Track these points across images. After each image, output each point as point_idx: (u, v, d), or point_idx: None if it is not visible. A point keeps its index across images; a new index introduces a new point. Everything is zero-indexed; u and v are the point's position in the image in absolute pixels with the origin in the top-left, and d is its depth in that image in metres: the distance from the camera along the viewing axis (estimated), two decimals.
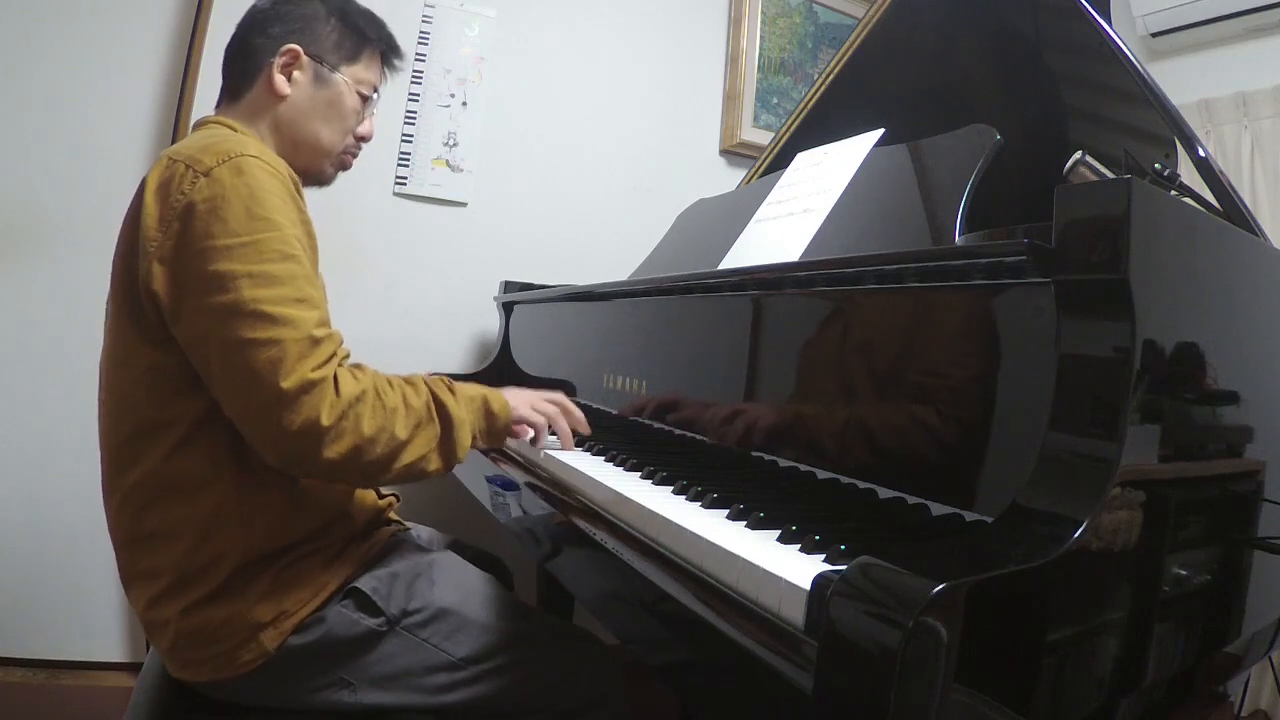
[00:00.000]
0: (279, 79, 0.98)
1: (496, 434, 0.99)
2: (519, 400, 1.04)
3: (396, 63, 1.11)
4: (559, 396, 1.11)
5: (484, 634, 0.96)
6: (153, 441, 0.85)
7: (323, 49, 1.01)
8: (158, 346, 0.84)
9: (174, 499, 0.85)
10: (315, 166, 1.05)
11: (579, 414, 1.11)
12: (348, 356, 0.86)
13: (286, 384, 0.77)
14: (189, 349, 0.82)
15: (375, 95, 1.08)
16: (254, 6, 1.03)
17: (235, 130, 0.96)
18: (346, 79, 1.03)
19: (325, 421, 0.78)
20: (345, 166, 1.09)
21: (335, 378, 0.81)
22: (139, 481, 0.86)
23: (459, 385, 0.96)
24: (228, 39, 1.05)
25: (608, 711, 0.99)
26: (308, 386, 0.78)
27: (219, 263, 0.79)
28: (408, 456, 0.86)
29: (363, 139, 1.08)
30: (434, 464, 0.89)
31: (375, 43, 1.06)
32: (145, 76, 1.67)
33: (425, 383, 0.91)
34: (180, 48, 1.68)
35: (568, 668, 1.00)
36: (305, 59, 1.00)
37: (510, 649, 0.96)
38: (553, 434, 1.09)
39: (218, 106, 1.04)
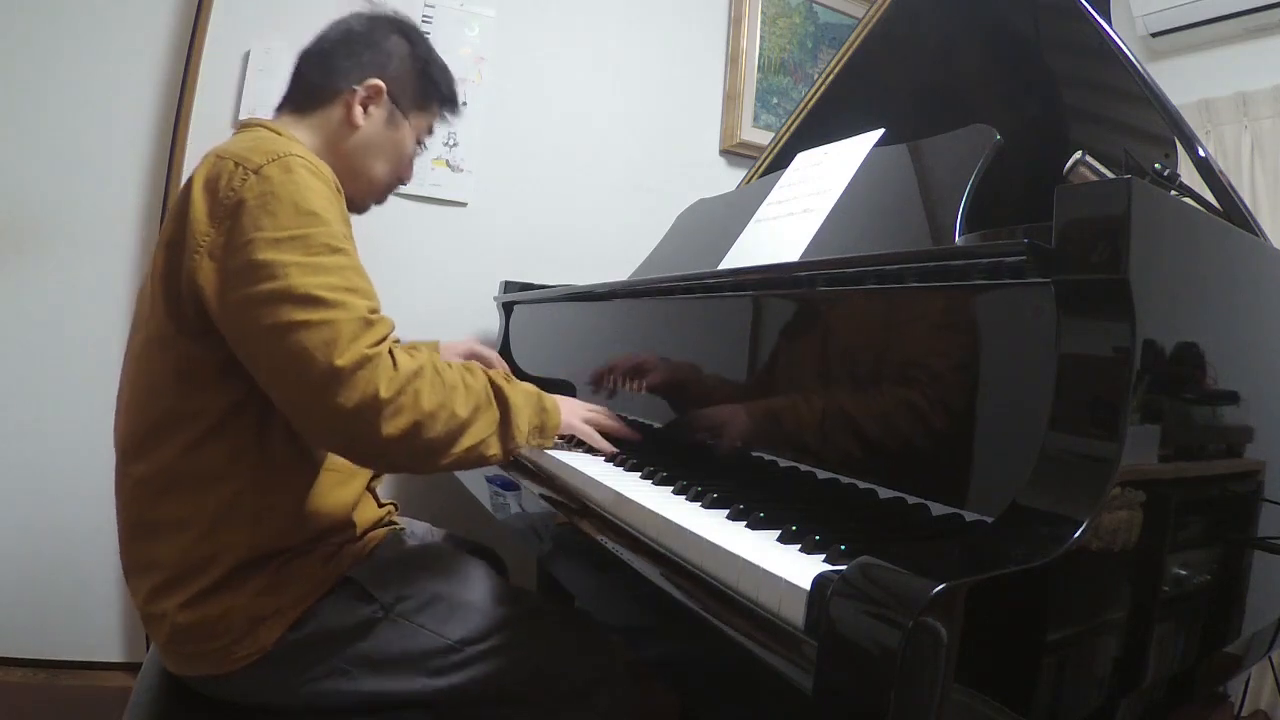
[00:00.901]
0: (358, 110, 1.00)
1: (547, 432, 0.99)
2: (569, 406, 1.04)
3: (450, 117, 1.13)
4: (603, 410, 1.11)
5: (478, 616, 0.96)
6: (175, 432, 0.85)
7: (402, 91, 1.03)
8: (193, 340, 0.84)
9: (187, 490, 0.85)
10: (359, 198, 1.07)
11: (620, 427, 1.11)
12: (398, 342, 0.86)
13: (341, 361, 0.75)
14: (234, 340, 0.82)
15: (426, 145, 1.11)
16: (348, 25, 1.03)
17: (280, 134, 0.97)
18: (412, 126, 1.05)
19: (384, 394, 0.77)
20: (380, 203, 1.12)
21: (392, 353, 0.80)
22: (155, 471, 0.86)
23: (514, 380, 0.96)
24: (308, 45, 1.04)
25: (608, 692, 0.99)
26: (363, 361, 0.77)
27: (268, 253, 0.79)
28: (468, 439, 0.85)
29: (402, 182, 1.11)
30: (494, 449, 0.88)
31: (445, 100, 1.09)
32: (145, 77, 1.67)
33: (482, 369, 0.91)
34: (180, 48, 1.68)
35: (565, 649, 1.00)
36: (386, 98, 1.01)
37: (505, 630, 0.96)
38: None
39: (278, 110, 1.04)
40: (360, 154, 1.02)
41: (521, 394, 0.94)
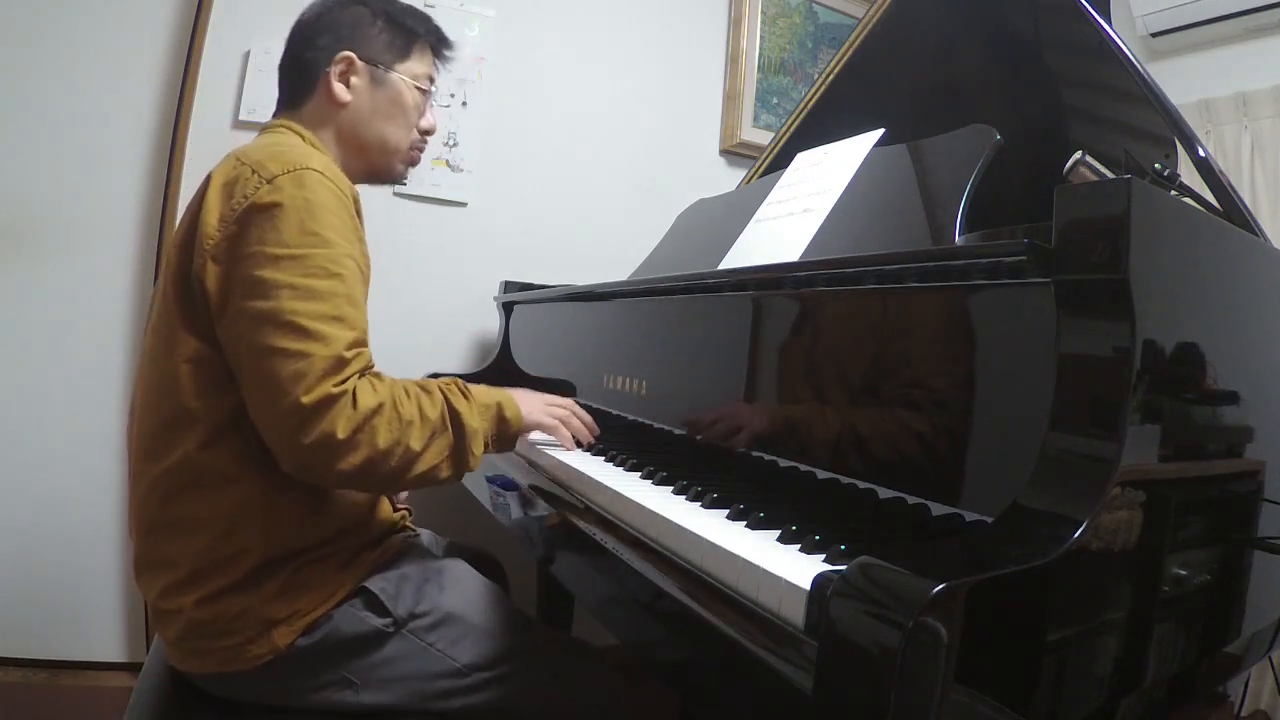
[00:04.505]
0: (338, 87, 1.00)
1: (508, 440, 0.99)
2: (531, 405, 1.04)
3: (447, 53, 1.12)
4: (567, 401, 1.12)
5: (488, 642, 0.96)
6: (187, 431, 0.86)
7: (375, 51, 1.02)
8: (204, 339, 0.85)
9: (202, 489, 0.86)
10: (385, 166, 1.07)
11: (587, 418, 1.12)
12: (371, 367, 0.86)
13: (306, 399, 0.78)
14: (227, 348, 0.84)
15: (433, 88, 1.09)
16: (299, 20, 1.03)
17: (303, 139, 0.97)
18: (403, 76, 1.04)
19: (341, 435, 0.79)
20: (414, 162, 1.11)
21: (355, 391, 0.81)
22: (171, 468, 0.86)
23: (474, 390, 0.95)
24: (279, 55, 1.04)
25: None
26: (327, 402, 0.79)
27: (266, 269, 0.81)
28: (420, 467, 0.86)
29: (427, 133, 1.10)
30: (445, 472, 0.89)
31: (424, 36, 1.07)
32: (145, 77, 1.67)
33: (441, 390, 0.91)
34: (180, 48, 1.68)
35: (569, 681, 1.00)
36: (360, 64, 1.01)
37: (513, 659, 0.96)
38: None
39: (276, 115, 1.04)
40: (361, 126, 1.02)
41: (479, 412, 0.93)
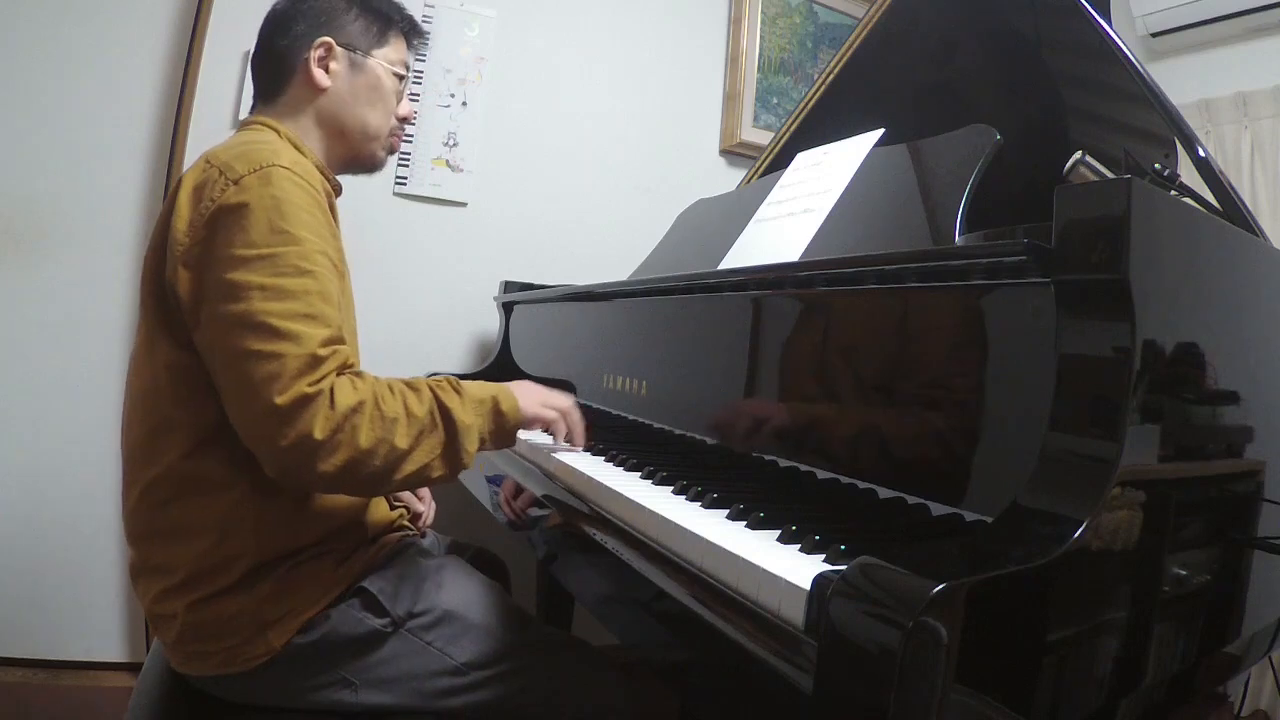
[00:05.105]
0: (318, 73, 0.99)
1: (506, 435, 0.95)
2: (529, 399, 0.99)
3: (417, 43, 1.12)
4: (567, 398, 1.08)
5: (487, 640, 0.96)
6: (174, 439, 0.86)
7: (352, 37, 1.02)
8: (182, 347, 0.85)
9: (194, 496, 0.86)
10: (367, 152, 1.06)
11: (581, 418, 1.09)
12: (352, 366, 0.84)
13: (281, 400, 0.76)
14: (204, 354, 0.83)
15: (408, 75, 1.09)
16: (272, 10, 1.03)
17: (279, 134, 0.97)
18: (380, 62, 1.04)
19: (319, 435, 0.77)
20: (394, 149, 1.11)
21: (332, 390, 0.79)
22: (160, 476, 0.86)
23: (467, 386, 0.92)
24: (251, 48, 1.04)
25: None
26: (303, 401, 0.77)
27: (235, 272, 0.80)
28: (409, 466, 0.84)
29: (405, 120, 1.10)
30: (438, 471, 0.87)
31: (399, 24, 1.07)
32: (145, 76, 1.67)
33: (429, 387, 0.88)
34: (180, 47, 1.68)
35: (570, 679, 0.99)
36: (339, 49, 1.01)
37: (512, 657, 0.96)
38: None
39: (252, 110, 1.04)
40: (342, 111, 1.02)
41: (472, 407, 0.89)
